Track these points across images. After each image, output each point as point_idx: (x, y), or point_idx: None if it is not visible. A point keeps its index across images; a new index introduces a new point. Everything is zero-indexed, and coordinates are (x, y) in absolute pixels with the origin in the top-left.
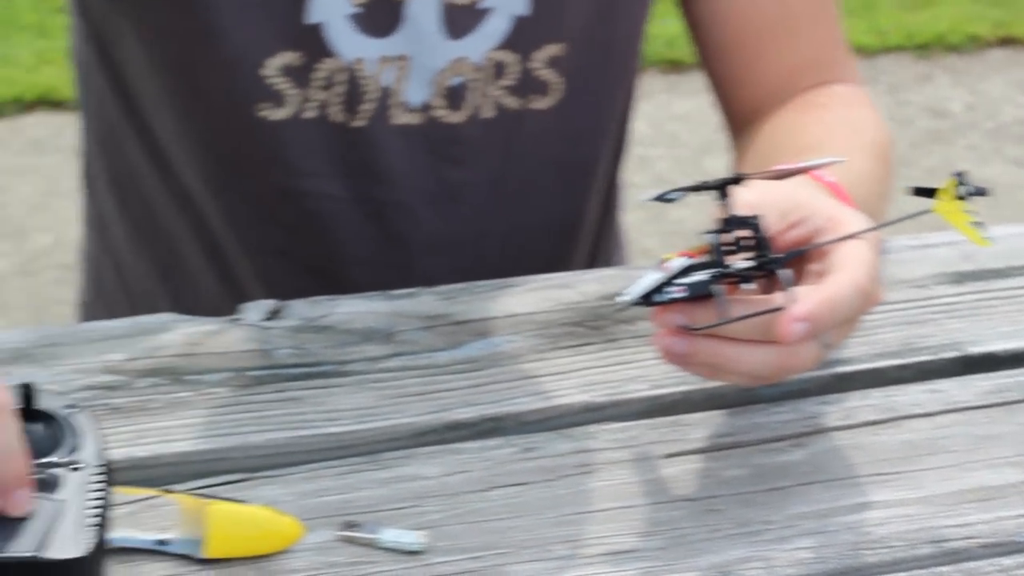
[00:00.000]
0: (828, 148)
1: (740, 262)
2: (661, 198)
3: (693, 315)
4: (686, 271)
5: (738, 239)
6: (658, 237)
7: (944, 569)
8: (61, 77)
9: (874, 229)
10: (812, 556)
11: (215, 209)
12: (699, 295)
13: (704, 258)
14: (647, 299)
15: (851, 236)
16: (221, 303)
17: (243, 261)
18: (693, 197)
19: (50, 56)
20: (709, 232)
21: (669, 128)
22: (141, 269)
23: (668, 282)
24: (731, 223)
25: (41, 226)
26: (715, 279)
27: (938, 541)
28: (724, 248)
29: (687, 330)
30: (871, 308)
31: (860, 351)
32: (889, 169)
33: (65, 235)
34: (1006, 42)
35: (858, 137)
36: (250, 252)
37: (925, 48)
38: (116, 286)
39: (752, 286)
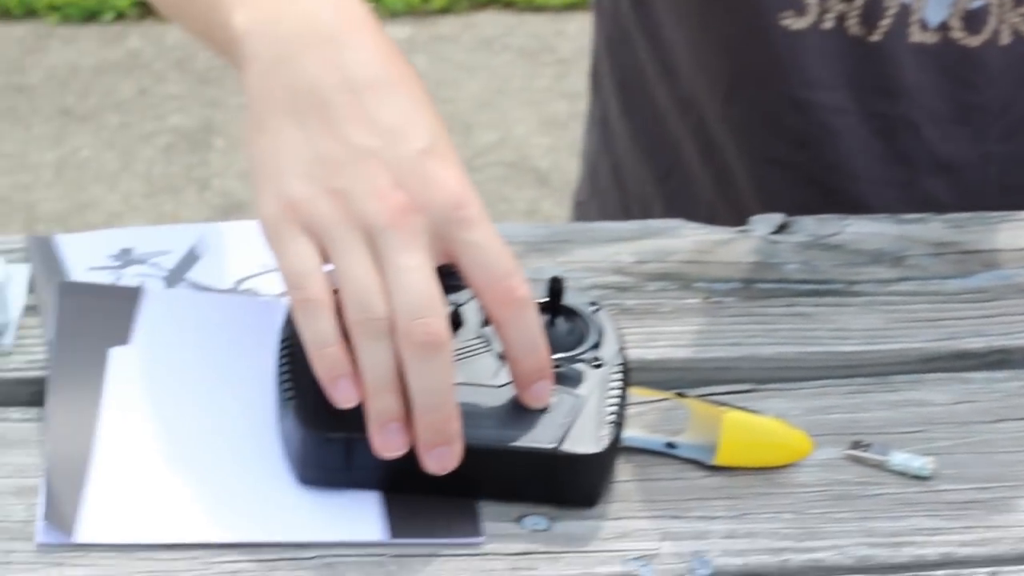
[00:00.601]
0: None
1: None
2: None
3: None
4: None
5: None
6: None
7: None
8: None
9: None
10: None
11: (719, 117)
12: None
13: None
14: None
15: None
16: (715, 211)
17: (742, 170)
18: None
19: None
20: None
21: None
22: (639, 171)
23: None
24: None
25: (487, 123)
26: None
27: None
28: None
29: None
30: None
31: None
32: None
33: (510, 134)
34: None
35: None
36: (751, 161)
37: None
38: (611, 186)
39: None
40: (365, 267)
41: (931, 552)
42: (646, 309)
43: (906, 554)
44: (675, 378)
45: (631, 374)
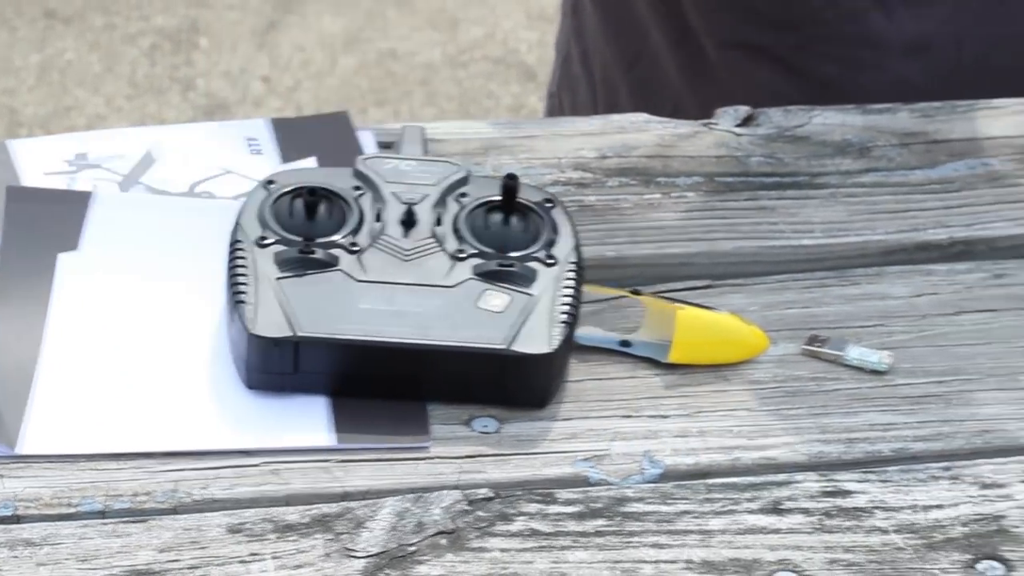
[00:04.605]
0: None
1: None
2: None
3: None
4: None
5: None
6: None
7: None
8: None
9: None
10: None
11: (691, 1)
12: None
13: None
14: None
15: None
16: (680, 99)
17: (712, 55)
18: None
19: None
20: None
21: None
22: (607, 57)
23: None
24: None
25: (474, 18)
26: None
27: None
28: None
29: None
30: None
31: None
32: None
33: (497, 29)
34: None
35: None
36: (721, 45)
37: None
38: (581, 74)
39: None
40: None
41: (884, 448)
42: (606, 205)
43: (859, 450)
44: (633, 275)
45: (586, 271)
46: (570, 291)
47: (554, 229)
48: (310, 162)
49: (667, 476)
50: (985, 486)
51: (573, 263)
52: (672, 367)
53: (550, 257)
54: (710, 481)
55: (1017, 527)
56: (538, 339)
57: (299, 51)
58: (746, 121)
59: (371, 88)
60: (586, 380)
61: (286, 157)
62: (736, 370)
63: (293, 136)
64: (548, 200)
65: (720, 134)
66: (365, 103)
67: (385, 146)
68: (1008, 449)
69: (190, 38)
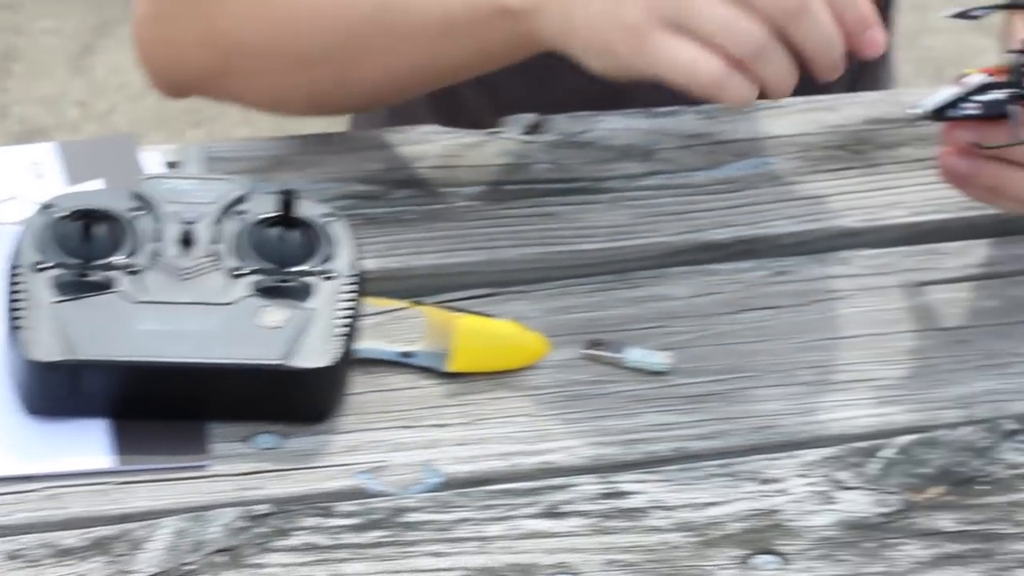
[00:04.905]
0: None
1: None
2: (964, 15)
3: (984, 134)
4: (983, 89)
5: None
6: (910, 64)
7: None
8: None
9: None
10: None
11: None
12: (993, 115)
13: (1004, 78)
14: (939, 114)
15: None
16: (479, 111)
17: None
18: (952, 23)
19: None
20: (1012, 51)
21: None
22: None
23: (964, 98)
24: None
25: None
26: (1012, 100)
27: None
28: None
29: (974, 149)
30: None
31: None
32: None
33: None
34: None
35: None
36: None
37: None
38: None
39: None
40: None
41: (663, 448)
42: (391, 218)
43: (638, 451)
44: (417, 286)
45: (367, 284)
46: (349, 304)
47: (333, 243)
48: (97, 185)
49: (448, 485)
50: (762, 481)
51: (352, 276)
52: (453, 376)
53: (329, 271)
54: (489, 488)
55: (792, 520)
56: (316, 353)
57: (115, 74)
58: (533, 129)
59: (187, 109)
60: (368, 392)
61: (73, 180)
62: (517, 377)
63: (80, 159)
64: (328, 214)
65: (506, 142)
66: (181, 124)
67: (172, 166)
68: (785, 444)
69: (4, 65)
